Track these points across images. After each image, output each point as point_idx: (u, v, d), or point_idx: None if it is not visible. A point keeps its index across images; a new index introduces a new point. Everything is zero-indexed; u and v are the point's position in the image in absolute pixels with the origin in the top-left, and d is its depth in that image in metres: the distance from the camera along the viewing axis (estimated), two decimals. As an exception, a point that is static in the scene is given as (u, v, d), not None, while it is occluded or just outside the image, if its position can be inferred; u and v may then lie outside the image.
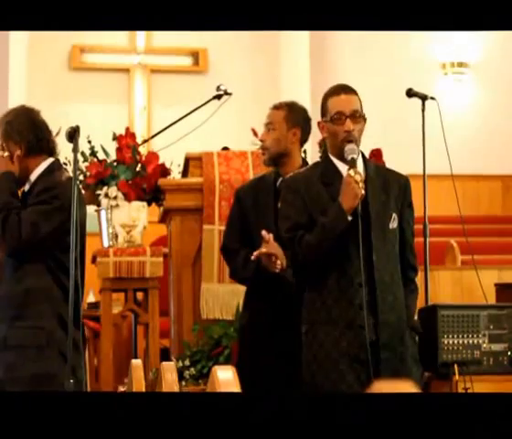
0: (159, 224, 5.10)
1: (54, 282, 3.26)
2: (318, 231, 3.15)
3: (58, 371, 3.07)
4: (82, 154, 4.88)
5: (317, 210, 3.19)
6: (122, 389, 4.66)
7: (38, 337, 3.22)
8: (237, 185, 4.20)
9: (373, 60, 8.14)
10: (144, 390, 2.97)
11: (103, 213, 4.85)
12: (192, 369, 4.31)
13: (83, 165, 4.93)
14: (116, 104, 8.17)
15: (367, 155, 3.39)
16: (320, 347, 3.16)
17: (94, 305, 6.18)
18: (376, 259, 3.14)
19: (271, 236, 3.44)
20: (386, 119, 7.54)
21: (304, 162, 3.78)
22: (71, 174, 3.30)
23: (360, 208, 3.12)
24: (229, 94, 5.20)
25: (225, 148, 5.01)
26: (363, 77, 7.24)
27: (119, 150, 4.92)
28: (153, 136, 5.96)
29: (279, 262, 3.41)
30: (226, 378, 2.03)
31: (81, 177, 4.88)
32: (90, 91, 8.16)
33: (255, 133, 4.76)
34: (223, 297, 4.38)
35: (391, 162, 4.29)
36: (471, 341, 3.57)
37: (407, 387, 1.61)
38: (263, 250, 3.44)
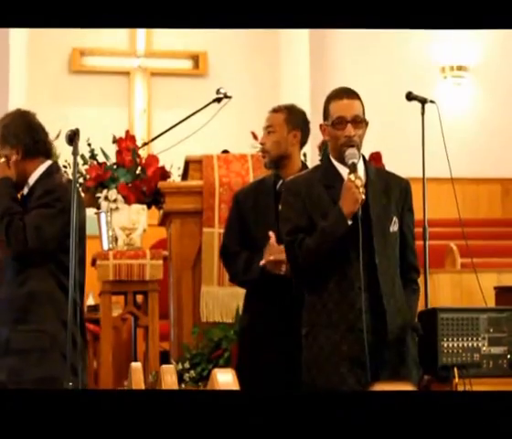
0: (159, 227, 5.10)
1: (56, 284, 3.26)
2: (318, 235, 3.16)
3: (62, 374, 3.07)
4: (82, 157, 4.88)
5: (318, 213, 3.20)
6: (121, 391, 4.66)
7: (41, 340, 3.22)
8: (237, 188, 4.20)
9: (372, 64, 8.15)
10: (143, 392, 2.96)
11: (103, 216, 4.85)
12: (192, 372, 4.31)
13: (83, 168, 4.93)
14: (116, 107, 8.18)
15: (366, 158, 3.40)
16: (320, 351, 3.17)
17: (94, 308, 6.17)
18: (378, 262, 3.15)
19: (273, 236, 3.46)
20: (385, 122, 7.55)
21: (304, 165, 3.79)
22: (71, 177, 3.30)
23: (361, 211, 3.13)
24: (229, 97, 5.20)
25: (225, 151, 5.01)
26: (363, 81, 7.24)
27: (119, 153, 4.92)
28: (153, 139, 5.96)
29: (284, 265, 3.44)
30: (226, 380, 2.04)
31: (81, 180, 4.89)
32: (90, 94, 8.17)
33: (255, 137, 4.76)
34: (223, 300, 4.38)
35: (391, 165, 4.29)
36: (470, 344, 3.57)
37: (406, 389, 1.61)
38: (271, 257, 3.47)
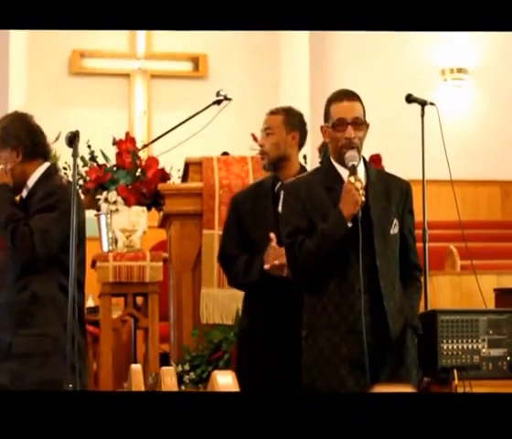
0: (159, 229, 5.10)
1: (58, 287, 3.25)
2: (318, 238, 3.16)
3: (64, 378, 3.06)
4: (82, 158, 4.88)
5: (318, 215, 3.20)
6: (121, 393, 4.66)
7: (43, 344, 3.21)
8: (237, 190, 4.20)
9: (372, 66, 8.15)
10: (143, 394, 2.97)
11: (103, 218, 4.85)
12: (192, 374, 4.31)
13: (83, 170, 4.93)
14: (116, 109, 8.18)
15: (366, 160, 3.40)
16: (320, 353, 3.17)
17: (93, 310, 6.17)
18: (379, 264, 3.15)
19: (274, 238, 3.47)
20: (385, 124, 7.55)
21: (302, 166, 3.80)
22: (71, 178, 3.30)
23: (362, 213, 3.13)
24: (229, 99, 5.21)
25: (225, 153, 5.02)
26: (363, 83, 7.24)
27: (119, 155, 4.92)
28: (153, 141, 5.96)
29: (286, 268, 3.44)
30: (225, 382, 2.04)
31: (81, 182, 4.89)
32: (90, 96, 8.17)
33: (255, 139, 4.76)
34: (223, 302, 4.38)
35: (391, 167, 4.29)
36: (470, 346, 3.57)
37: (406, 391, 1.61)
38: (276, 262, 3.47)
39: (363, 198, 3.13)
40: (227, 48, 8.29)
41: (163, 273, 4.83)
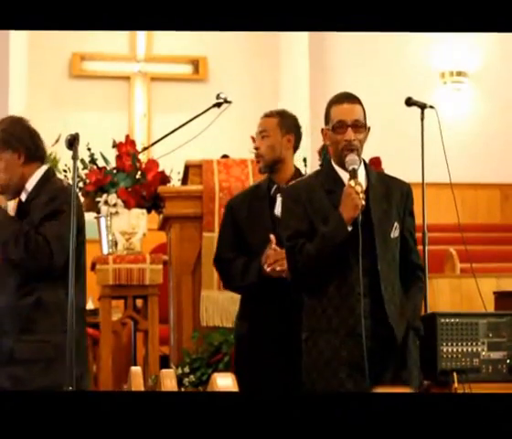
0: (159, 231, 5.10)
1: (65, 294, 3.22)
2: (318, 241, 3.16)
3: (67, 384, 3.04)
4: (82, 161, 4.88)
5: (319, 218, 3.20)
6: (121, 396, 4.66)
7: (46, 350, 3.18)
8: (237, 192, 4.21)
9: (372, 69, 8.15)
10: (143, 396, 2.96)
11: (103, 220, 4.85)
12: (191, 377, 4.31)
13: (83, 173, 4.93)
14: (116, 112, 8.19)
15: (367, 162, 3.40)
16: (320, 355, 3.17)
17: (93, 312, 6.17)
18: (380, 268, 3.15)
19: (273, 239, 3.48)
20: (385, 127, 7.56)
21: (297, 169, 3.81)
22: (71, 181, 3.30)
23: (362, 216, 3.13)
24: (229, 102, 5.21)
25: (225, 156, 5.02)
26: (362, 86, 7.25)
27: (119, 157, 4.92)
28: (153, 144, 5.97)
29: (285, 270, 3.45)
30: (225, 384, 2.04)
31: (81, 185, 4.89)
32: (91, 99, 8.18)
33: (255, 142, 4.76)
34: (223, 304, 4.38)
35: (390, 170, 4.29)
36: (470, 349, 3.57)
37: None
38: (278, 268, 3.48)
39: (363, 202, 3.13)
40: (227, 51, 8.30)
41: (163, 275, 4.83)
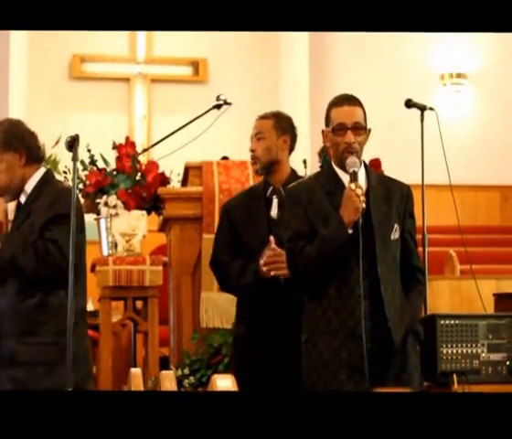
0: (159, 233, 5.10)
1: (65, 294, 3.22)
2: (319, 244, 3.17)
3: (70, 385, 3.03)
4: (82, 162, 4.88)
5: (319, 219, 3.21)
6: (121, 397, 4.65)
7: (49, 353, 3.17)
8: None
9: (372, 70, 8.16)
10: (143, 398, 2.96)
11: (103, 222, 4.85)
12: (191, 378, 4.31)
13: (83, 174, 4.93)
14: (116, 113, 8.19)
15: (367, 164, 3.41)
16: (319, 357, 3.17)
17: (93, 314, 6.17)
18: (380, 270, 3.16)
19: (273, 240, 3.48)
20: (385, 129, 7.56)
21: (293, 170, 3.81)
22: (71, 182, 3.30)
23: (362, 219, 3.14)
24: (229, 104, 5.21)
25: (224, 158, 5.03)
26: (362, 87, 7.26)
27: (119, 159, 4.93)
28: (153, 145, 5.96)
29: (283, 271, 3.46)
30: (225, 386, 2.04)
31: (81, 186, 4.89)
32: (91, 101, 8.18)
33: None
34: (223, 306, 4.38)
35: (390, 172, 4.30)
36: (470, 351, 3.57)
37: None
38: (272, 273, 3.50)
39: (363, 205, 3.13)
40: (227, 53, 8.30)
41: (162, 276, 4.83)
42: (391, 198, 3.28)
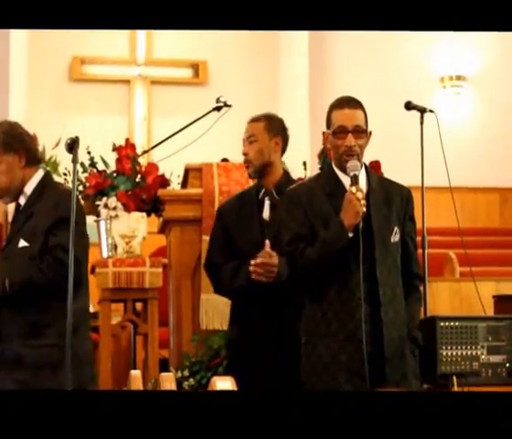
0: (158, 235, 5.10)
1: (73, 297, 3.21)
2: (319, 246, 3.17)
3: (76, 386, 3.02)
4: (82, 164, 4.88)
5: (319, 221, 3.21)
6: (120, 399, 4.65)
7: (54, 355, 3.17)
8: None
9: (372, 73, 8.17)
10: (143, 399, 2.96)
11: (103, 224, 4.85)
12: (191, 380, 4.31)
13: (83, 176, 4.94)
14: (116, 115, 8.20)
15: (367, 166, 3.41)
16: (319, 360, 3.17)
17: (93, 316, 6.17)
18: (379, 273, 3.15)
19: (268, 244, 3.49)
20: (385, 131, 7.55)
21: (285, 171, 3.82)
22: (71, 185, 3.29)
23: (363, 222, 3.14)
24: (229, 106, 5.21)
25: (224, 159, 5.03)
26: (362, 89, 7.26)
27: (119, 161, 4.93)
28: (152, 147, 5.96)
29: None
30: (225, 388, 2.04)
31: (81, 188, 4.89)
32: (91, 103, 8.18)
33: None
34: (222, 308, 4.37)
35: (390, 174, 4.29)
36: (469, 353, 3.57)
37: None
38: (264, 279, 3.52)
39: (364, 209, 3.14)
40: (227, 55, 8.31)
41: (162, 278, 4.83)
42: (391, 200, 3.28)
